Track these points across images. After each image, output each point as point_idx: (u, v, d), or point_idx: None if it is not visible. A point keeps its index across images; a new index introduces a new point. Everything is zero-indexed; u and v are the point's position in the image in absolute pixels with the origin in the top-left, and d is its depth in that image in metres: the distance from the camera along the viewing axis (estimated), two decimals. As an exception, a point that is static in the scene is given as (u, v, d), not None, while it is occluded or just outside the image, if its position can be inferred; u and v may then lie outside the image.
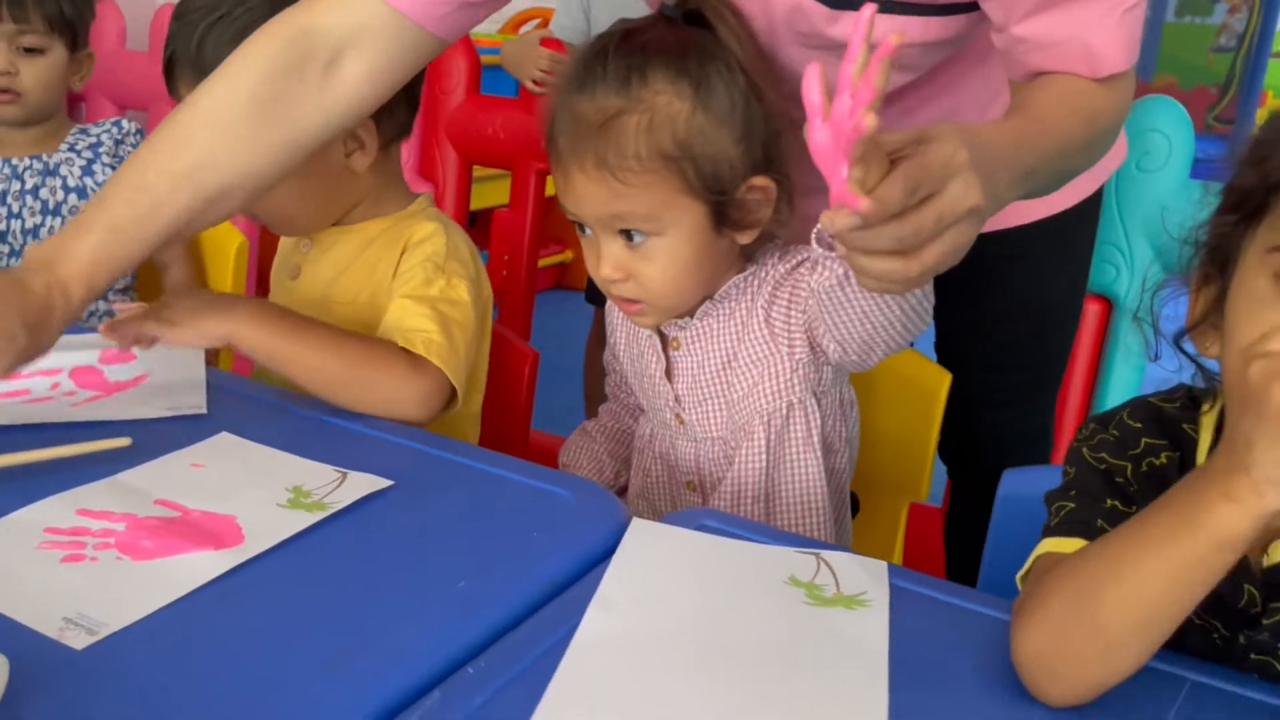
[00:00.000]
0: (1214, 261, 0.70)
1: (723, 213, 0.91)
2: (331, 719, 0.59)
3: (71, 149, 1.53)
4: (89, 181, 1.52)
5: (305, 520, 0.77)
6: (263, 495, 0.81)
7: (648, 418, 1.08)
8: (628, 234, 0.90)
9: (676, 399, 1.01)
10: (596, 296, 2.43)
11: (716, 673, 0.65)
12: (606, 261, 0.92)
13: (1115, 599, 0.61)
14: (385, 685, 0.61)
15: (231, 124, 0.91)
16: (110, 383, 0.99)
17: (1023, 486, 0.89)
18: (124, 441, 0.86)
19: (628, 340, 1.06)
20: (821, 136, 0.60)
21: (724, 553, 0.79)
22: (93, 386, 0.99)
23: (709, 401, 1.00)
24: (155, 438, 0.89)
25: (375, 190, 1.13)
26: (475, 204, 2.32)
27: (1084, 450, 0.76)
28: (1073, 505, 0.73)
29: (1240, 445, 0.57)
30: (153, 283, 1.64)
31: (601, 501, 0.83)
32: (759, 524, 0.86)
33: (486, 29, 3.20)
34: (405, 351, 0.99)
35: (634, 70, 0.87)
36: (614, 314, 1.07)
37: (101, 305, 1.56)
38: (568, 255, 3.78)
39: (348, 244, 1.13)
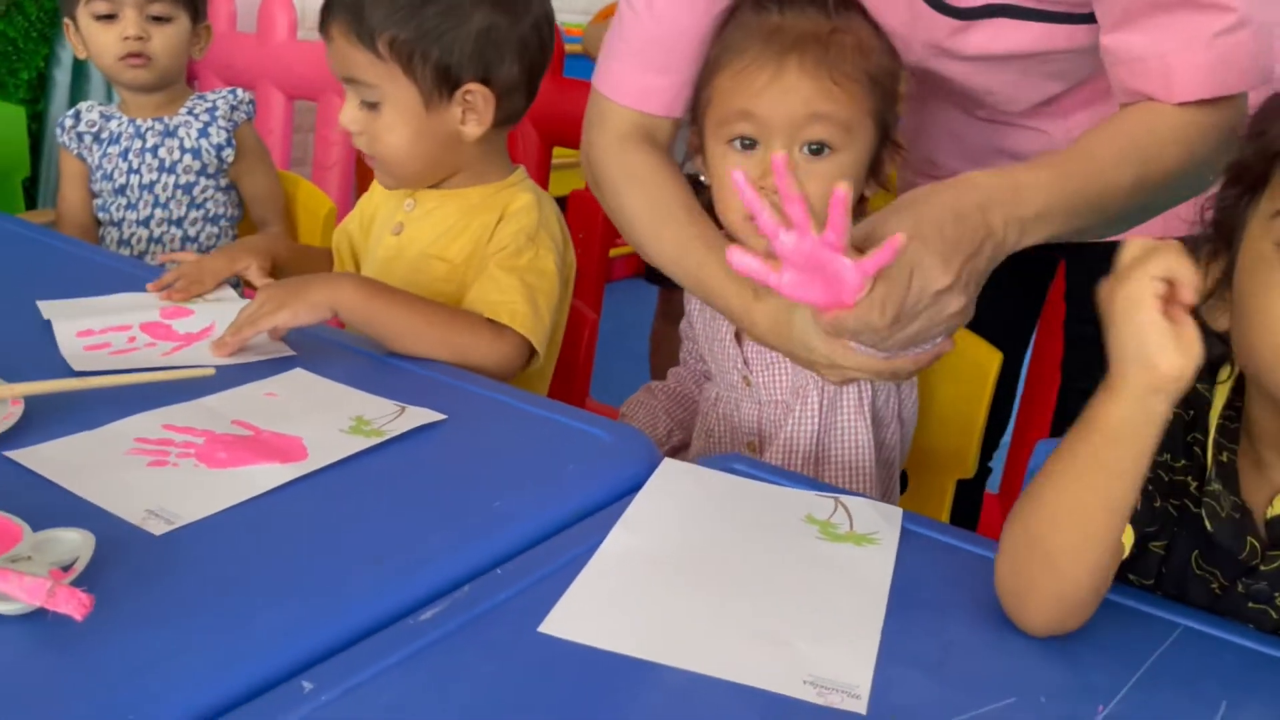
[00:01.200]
0: (1220, 236, 0.73)
1: (879, 153, 0.98)
2: (373, 604, 0.66)
3: (190, 113, 1.64)
4: (204, 143, 1.63)
5: (363, 444, 0.85)
6: (327, 421, 0.89)
7: (715, 382, 1.13)
8: (809, 148, 0.94)
9: (745, 361, 1.06)
10: (658, 278, 2.47)
11: (723, 591, 0.70)
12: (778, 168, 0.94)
13: (1040, 508, 0.68)
14: (422, 579, 0.68)
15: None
16: (182, 334, 1.07)
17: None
18: (209, 371, 0.94)
19: (702, 312, 1.11)
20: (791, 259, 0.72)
21: (748, 491, 0.84)
22: (169, 338, 1.07)
23: (777, 364, 1.05)
24: (236, 370, 0.97)
25: (479, 161, 1.19)
26: (552, 190, 2.39)
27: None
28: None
29: (1113, 357, 0.65)
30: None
31: (635, 442, 0.90)
32: (786, 470, 0.92)
33: (576, 19, 3.29)
34: (490, 320, 1.08)
35: (839, 3, 0.96)
36: None
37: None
38: (649, 244, 3.84)
39: (450, 207, 1.20)
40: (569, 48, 2.30)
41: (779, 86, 0.93)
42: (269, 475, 0.79)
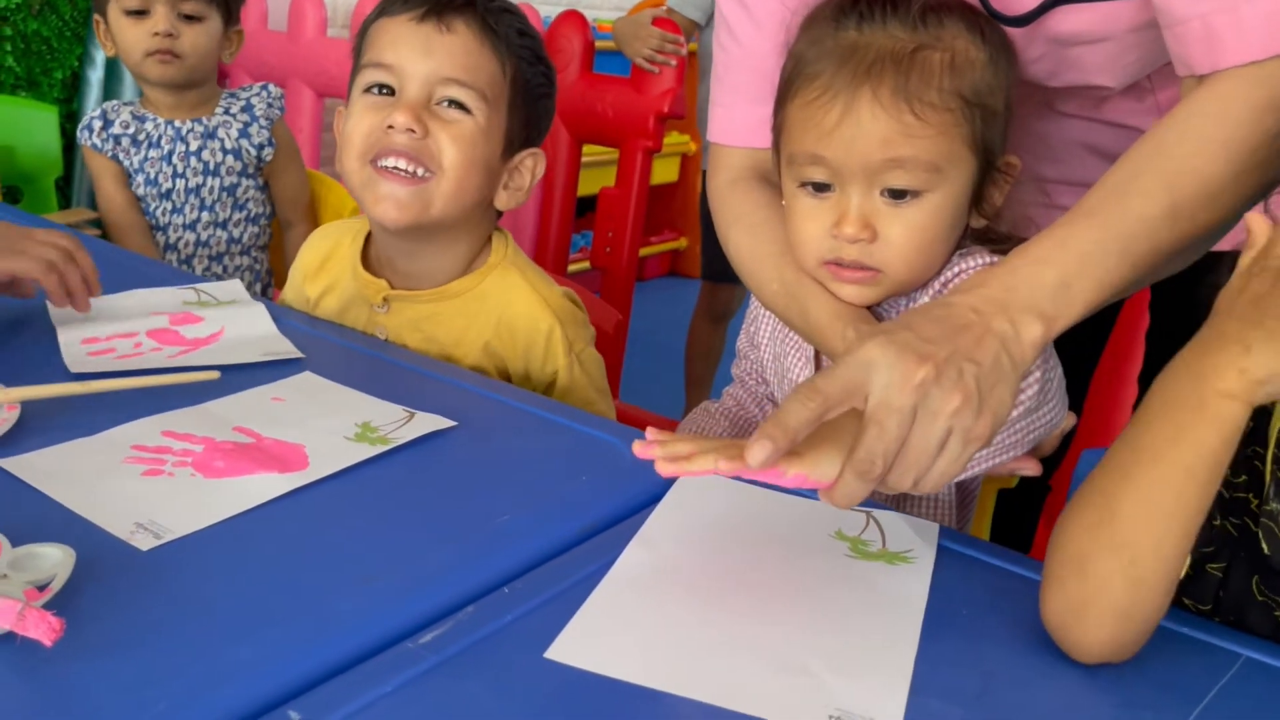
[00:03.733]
0: None
1: (982, 182, 0.86)
2: (368, 626, 0.61)
3: (226, 112, 1.61)
4: (244, 143, 1.60)
5: (368, 452, 0.81)
6: (332, 427, 0.85)
7: None
8: (889, 192, 0.83)
9: None
10: (715, 273, 2.43)
11: (743, 614, 0.66)
12: (855, 216, 0.83)
13: (1132, 509, 0.61)
14: (422, 598, 0.64)
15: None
16: (189, 339, 1.03)
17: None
18: (213, 375, 0.91)
19: (773, 334, 1.03)
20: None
21: (773, 505, 0.80)
22: (176, 343, 1.02)
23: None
24: (243, 373, 0.94)
25: (473, 236, 1.10)
26: (582, 189, 2.35)
27: None
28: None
29: (1234, 345, 0.59)
30: (276, 238, 1.71)
31: (656, 451, 0.85)
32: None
33: (608, 15, 3.25)
34: None
35: (930, 10, 0.82)
36: (757, 306, 1.03)
37: (245, 260, 1.65)
38: (682, 242, 3.80)
39: (429, 308, 1.09)
40: (599, 44, 2.26)
41: (851, 127, 0.81)
42: (266, 486, 0.75)
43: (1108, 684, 0.62)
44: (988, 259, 0.89)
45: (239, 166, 1.60)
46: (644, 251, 3.56)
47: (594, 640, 0.62)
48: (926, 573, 0.72)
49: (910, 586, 0.70)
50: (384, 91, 1.03)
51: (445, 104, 1.02)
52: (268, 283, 1.68)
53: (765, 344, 1.04)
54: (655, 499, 0.78)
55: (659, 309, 3.34)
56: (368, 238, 1.13)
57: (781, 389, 1.02)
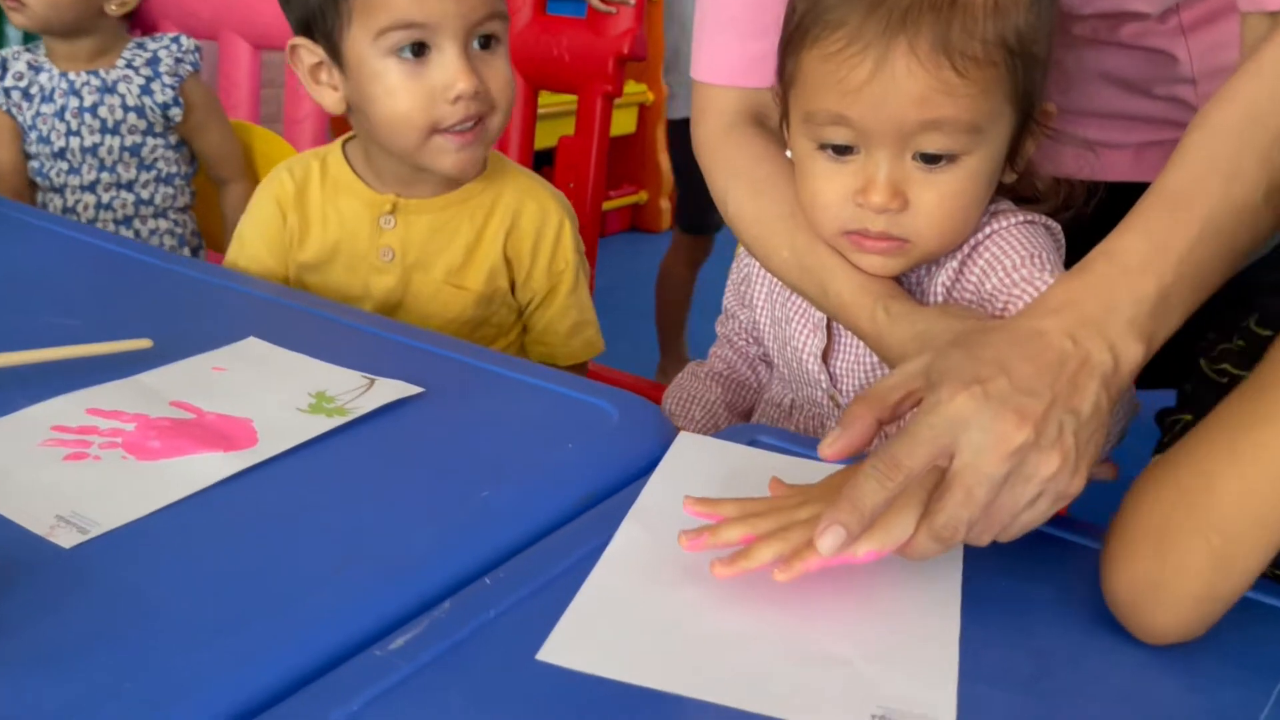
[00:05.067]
0: None
1: (1019, 137, 0.77)
2: (330, 629, 0.53)
3: (129, 65, 1.49)
4: (148, 101, 1.48)
5: (324, 425, 0.72)
6: (283, 399, 0.76)
7: (783, 380, 0.96)
8: (922, 156, 0.73)
9: (832, 380, 0.89)
10: (694, 225, 2.34)
11: (761, 595, 0.58)
12: (884, 184, 0.74)
13: (1232, 486, 0.52)
14: (391, 594, 0.55)
15: None
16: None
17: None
18: (144, 343, 0.81)
19: (771, 296, 0.94)
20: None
21: (780, 469, 0.71)
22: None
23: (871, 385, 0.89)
24: (179, 341, 0.84)
25: None
26: (539, 142, 2.25)
27: (1202, 363, 0.67)
28: (1190, 418, 0.63)
29: None
30: (208, 197, 1.61)
31: (645, 415, 0.77)
32: (814, 439, 0.78)
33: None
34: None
35: None
36: (754, 261, 0.94)
37: (163, 224, 1.54)
38: (642, 196, 3.69)
39: (438, 215, 1.06)
40: (553, -16, 2.14)
41: (883, 85, 0.70)
42: (210, 467, 0.66)
43: (1174, 663, 0.55)
44: (1019, 217, 0.81)
45: (143, 125, 1.48)
46: (604, 206, 3.45)
47: (592, 637, 0.54)
48: (956, 540, 0.64)
49: (943, 556, 0.62)
50: (418, 52, 0.97)
51: (478, 43, 0.99)
52: (197, 245, 1.57)
53: (761, 306, 0.95)
54: (649, 468, 0.70)
55: (621, 265, 3.25)
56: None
57: (783, 356, 0.94)
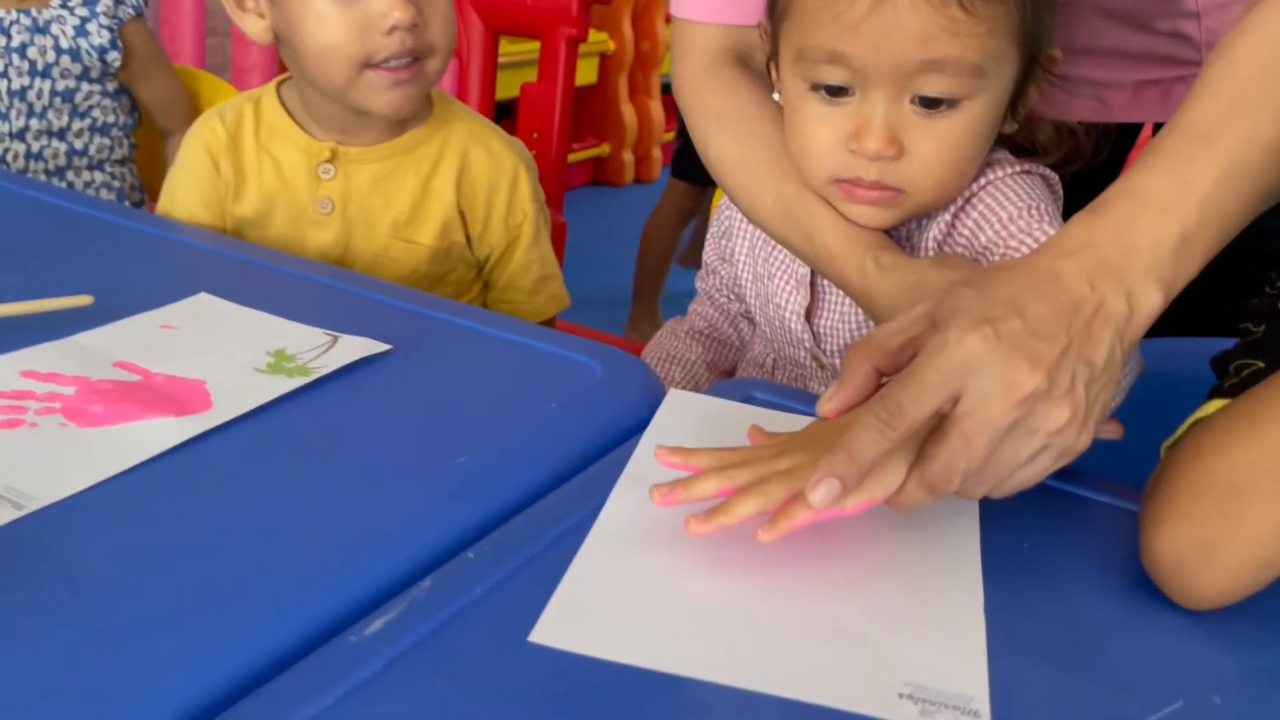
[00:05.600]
0: None
1: (1023, 83, 0.72)
2: (298, 614, 0.48)
3: (64, 5, 1.40)
4: (83, 43, 1.39)
5: (284, 386, 0.66)
6: (239, 358, 0.70)
7: (765, 339, 0.91)
8: (921, 100, 0.68)
9: (816, 339, 0.84)
10: (692, 174, 2.27)
11: (769, 566, 0.53)
12: (880, 128, 0.69)
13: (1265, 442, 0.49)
14: (364, 573, 0.50)
15: None
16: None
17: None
18: (84, 300, 0.74)
19: (753, 249, 0.88)
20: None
21: (774, 425, 0.67)
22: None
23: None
24: (123, 297, 0.77)
25: None
26: (501, 91, 2.17)
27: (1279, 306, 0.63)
28: (1262, 365, 0.59)
29: None
30: (154, 149, 1.53)
31: (632, 371, 0.72)
32: (816, 395, 0.74)
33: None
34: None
35: None
36: (735, 213, 0.89)
37: (98, 176, 1.46)
38: (604, 149, 3.62)
39: (381, 164, 1.00)
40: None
41: (883, 20, 0.66)
42: (160, 433, 0.60)
43: (1216, 629, 0.51)
44: (1015, 168, 0.76)
45: (78, 69, 1.39)
46: (570, 158, 3.38)
47: (588, 616, 0.49)
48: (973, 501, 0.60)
49: (958, 516, 0.58)
50: None
51: None
52: (139, 200, 1.49)
53: (743, 261, 0.90)
54: (638, 428, 0.65)
55: (584, 220, 3.19)
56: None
57: (765, 314, 0.89)
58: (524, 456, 0.61)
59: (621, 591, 0.50)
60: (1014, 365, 0.49)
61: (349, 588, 0.49)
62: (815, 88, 0.71)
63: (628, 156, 3.64)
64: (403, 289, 0.83)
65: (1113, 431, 0.63)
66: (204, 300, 0.79)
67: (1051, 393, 0.49)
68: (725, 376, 0.98)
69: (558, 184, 1.87)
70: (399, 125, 1.00)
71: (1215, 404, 0.55)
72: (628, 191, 3.64)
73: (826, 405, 0.54)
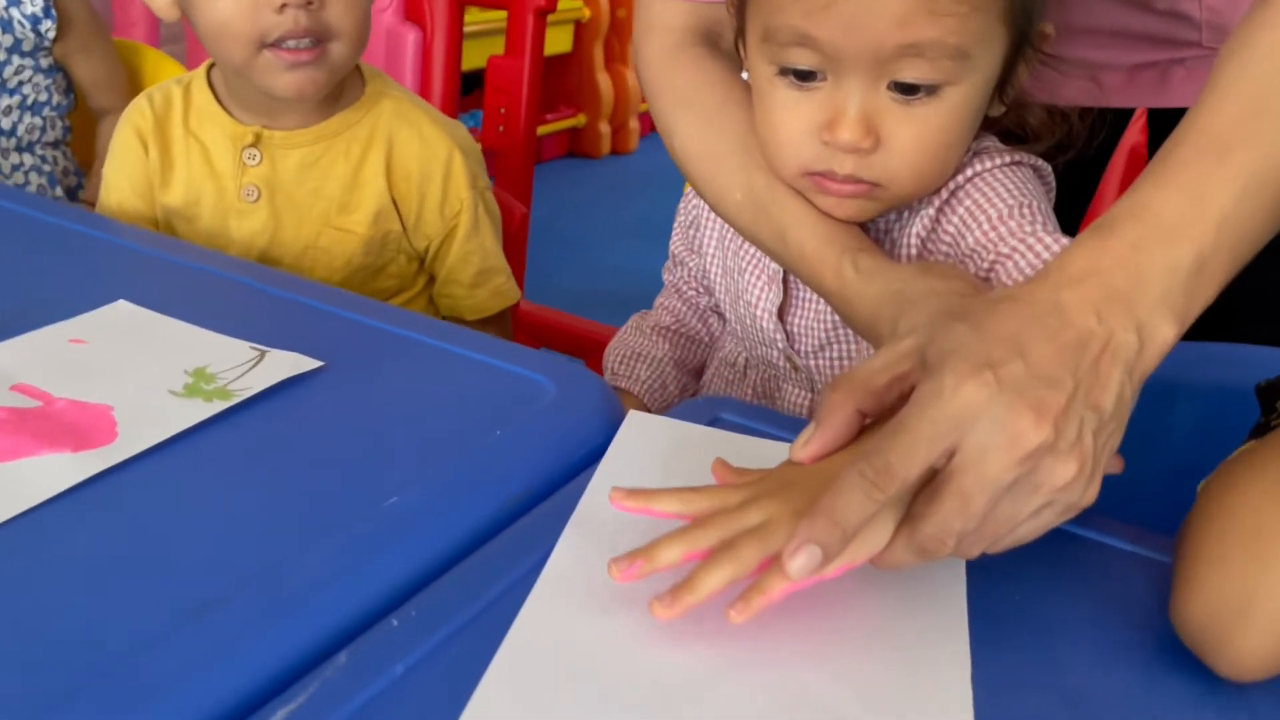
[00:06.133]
0: None
1: (1011, 62, 0.66)
2: (184, 698, 0.41)
3: None
4: (15, 13, 1.31)
5: (201, 412, 0.60)
6: (154, 378, 0.63)
7: (736, 337, 0.85)
8: (898, 85, 0.62)
9: (789, 339, 0.79)
10: None
11: (736, 627, 0.47)
12: (854, 118, 0.63)
13: None
14: (268, 648, 0.44)
15: None
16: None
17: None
18: (-14, 311, 0.68)
19: (722, 242, 0.82)
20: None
21: (744, 452, 0.60)
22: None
23: (834, 347, 0.77)
24: (30, 306, 0.70)
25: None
26: (467, 62, 2.09)
27: None
28: None
29: None
30: (88, 130, 1.44)
31: (588, 390, 0.65)
32: (790, 417, 0.68)
33: None
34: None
35: None
36: (703, 202, 0.82)
37: (28, 159, 1.37)
38: (580, 119, 3.53)
39: (309, 148, 0.94)
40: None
41: (855, 1, 0.60)
42: (52, 474, 0.54)
43: (1235, 699, 0.45)
44: (1004, 158, 0.70)
45: (8, 41, 1.30)
46: (539, 131, 3.29)
47: (527, 696, 0.43)
48: (957, 541, 0.54)
49: (942, 567, 0.52)
50: None
51: None
52: (74, 185, 1.41)
53: (712, 254, 0.84)
54: (595, 454, 0.59)
55: (558, 193, 3.11)
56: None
57: (736, 311, 0.82)
58: (463, 495, 0.54)
59: (567, 664, 0.44)
60: (1017, 416, 0.43)
61: (249, 666, 0.43)
62: (784, 72, 0.65)
63: (604, 127, 3.55)
64: (339, 292, 0.76)
65: (1114, 466, 0.58)
66: (121, 309, 0.72)
67: (1057, 445, 0.44)
68: (694, 375, 0.92)
69: (526, 164, 1.79)
70: (326, 107, 0.94)
71: (1251, 445, 0.50)
72: (604, 163, 3.56)
73: (802, 450, 0.48)
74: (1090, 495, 0.46)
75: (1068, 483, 0.44)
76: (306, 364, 0.65)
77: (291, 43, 0.87)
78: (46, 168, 1.37)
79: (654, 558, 0.47)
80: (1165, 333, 0.47)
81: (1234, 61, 0.52)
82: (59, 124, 1.37)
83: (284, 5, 0.86)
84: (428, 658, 0.44)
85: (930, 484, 0.45)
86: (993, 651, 0.47)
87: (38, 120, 1.35)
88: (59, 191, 1.38)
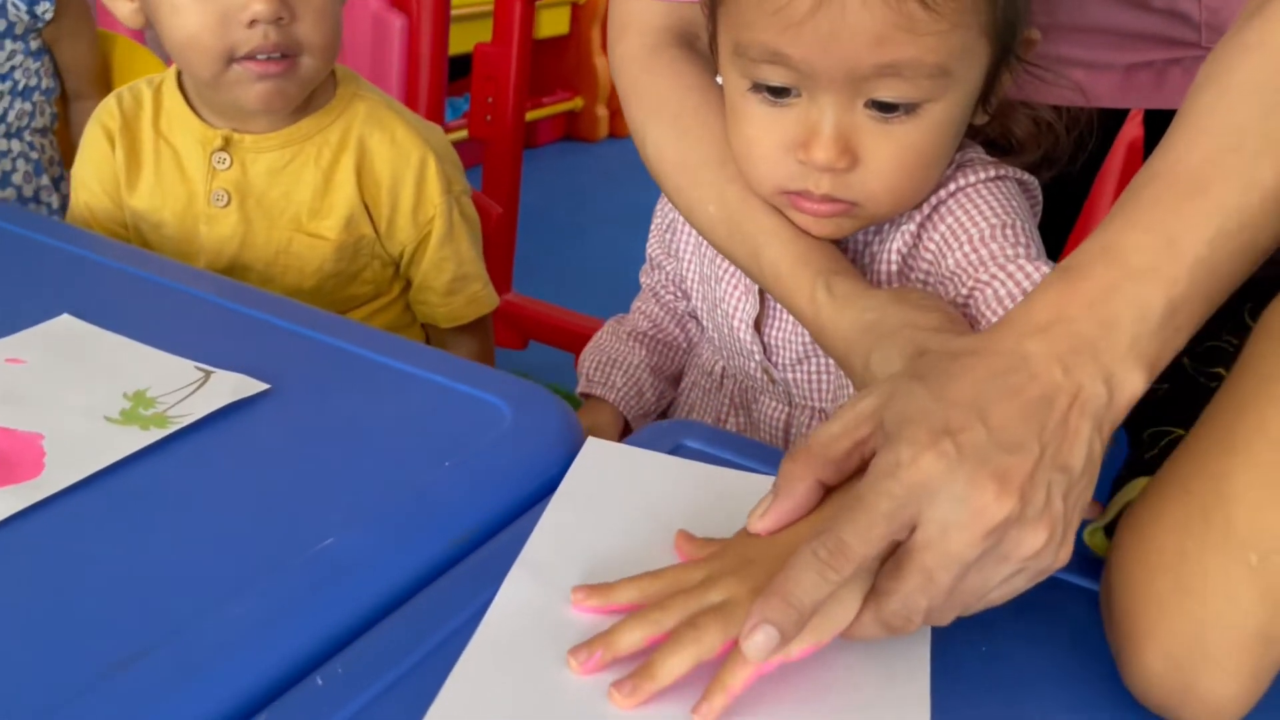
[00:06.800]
0: None
1: (995, 72, 0.63)
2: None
3: None
4: None
5: (136, 442, 0.57)
6: (90, 403, 0.60)
7: (713, 345, 0.82)
8: (876, 104, 0.59)
9: (766, 350, 0.76)
10: None
11: (688, 690, 0.44)
12: (829, 138, 0.60)
13: (1247, 490, 0.42)
14: (173, 711, 0.41)
15: None
16: None
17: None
18: (-80, 328, 0.65)
19: (699, 249, 0.79)
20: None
21: (708, 484, 0.58)
22: None
23: (811, 361, 0.74)
24: (-31, 322, 0.67)
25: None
26: (454, 46, 2.05)
27: (1185, 361, 0.54)
28: (1182, 432, 0.51)
29: None
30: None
31: (547, 413, 0.62)
32: (756, 443, 0.65)
33: None
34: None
35: None
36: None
37: (15, 145, 1.34)
38: (577, 103, 3.48)
39: (279, 151, 0.92)
40: None
41: (831, 19, 0.56)
42: (-28, 510, 0.51)
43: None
44: (988, 172, 0.67)
45: (1, 25, 1.27)
46: (535, 115, 3.25)
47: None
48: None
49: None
50: None
51: None
52: (59, 175, 1.38)
53: (688, 260, 0.81)
54: (551, 485, 0.56)
55: (553, 180, 3.07)
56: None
57: (713, 320, 0.79)
58: (405, 535, 0.52)
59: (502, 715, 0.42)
60: (979, 489, 0.40)
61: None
62: (756, 88, 0.61)
63: (601, 111, 3.51)
64: (293, 304, 0.73)
65: (1089, 512, 0.55)
66: (64, 325, 0.69)
67: (1025, 515, 0.41)
68: (672, 383, 0.90)
69: (514, 150, 1.76)
70: (297, 111, 0.91)
71: (1140, 483, 0.48)
72: (602, 147, 3.51)
73: (759, 522, 0.46)
74: (1063, 557, 0.43)
75: (1037, 551, 0.42)
76: (251, 387, 0.62)
77: (262, 55, 0.85)
78: (34, 155, 1.34)
79: (614, 645, 0.44)
80: (1134, 382, 0.44)
81: (1209, 90, 0.48)
82: (47, 110, 1.35)
83: (254, 21, 0.83)
84: (358, 716, 0.41)
85: (893, 557, 0.42)
86: (956, 710, 0.44)
87: (27, 105, 1.32)
88: (45, 180, 1.35)
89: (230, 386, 0.62)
